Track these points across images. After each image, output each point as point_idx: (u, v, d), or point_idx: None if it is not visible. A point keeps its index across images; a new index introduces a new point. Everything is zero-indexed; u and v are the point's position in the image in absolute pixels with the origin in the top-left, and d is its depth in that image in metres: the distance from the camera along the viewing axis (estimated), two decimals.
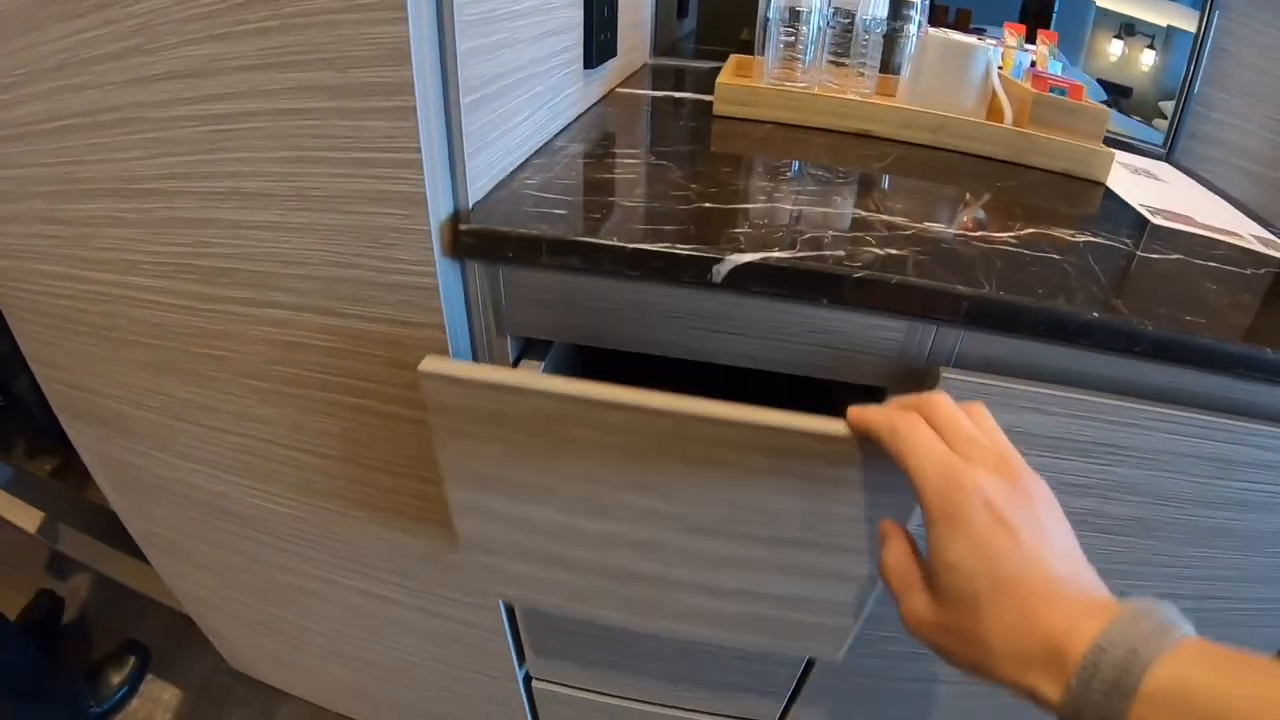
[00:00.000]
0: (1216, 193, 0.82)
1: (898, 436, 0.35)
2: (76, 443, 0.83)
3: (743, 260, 0.45)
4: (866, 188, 0.64)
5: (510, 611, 0.75)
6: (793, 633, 0.53)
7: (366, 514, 0.68)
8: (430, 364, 0.42)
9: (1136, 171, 0.84)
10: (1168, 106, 0.93)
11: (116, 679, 1.22)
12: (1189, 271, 0.56)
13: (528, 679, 0.85)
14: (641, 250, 0.46)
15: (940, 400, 0.36)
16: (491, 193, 0.53)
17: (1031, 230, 0.58)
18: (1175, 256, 0.58)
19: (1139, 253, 0.58)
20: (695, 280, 0.46)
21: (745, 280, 0.46)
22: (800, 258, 0.47)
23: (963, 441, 0.34)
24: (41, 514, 1.42)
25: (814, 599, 0.50)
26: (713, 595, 0.51)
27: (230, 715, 1.20)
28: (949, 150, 0.77)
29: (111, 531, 1.33)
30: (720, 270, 0.45)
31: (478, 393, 0.43)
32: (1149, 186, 0.78)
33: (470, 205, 0.50)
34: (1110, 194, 0.73)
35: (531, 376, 0.42)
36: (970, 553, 0.31)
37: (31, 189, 0.58)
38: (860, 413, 0.38)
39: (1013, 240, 0.56)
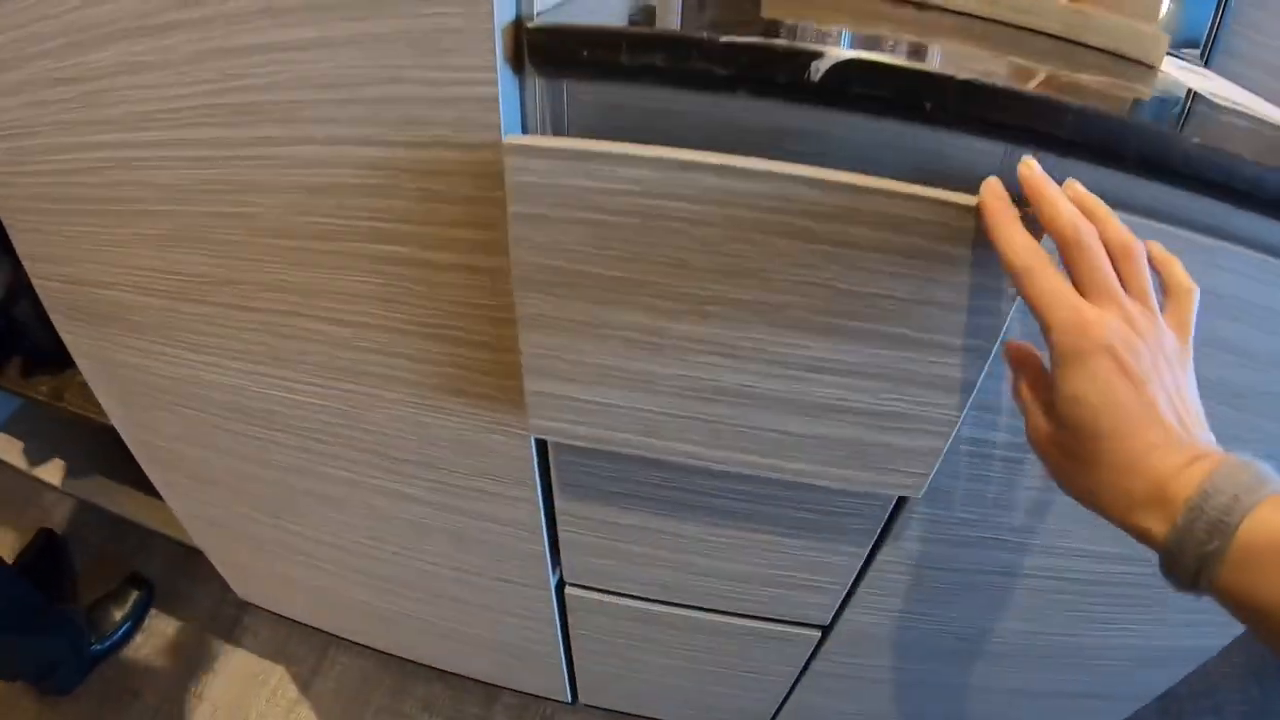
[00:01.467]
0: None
1: (1031, 274, 0.33)
2: (76, 352, 0.77)
3: (845, 56, 0.40)
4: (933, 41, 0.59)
5: (549, 504, 0.69)
6: (881, 459, 0.51)
7: (395, 392, 0.63)
8: (515, 139, 0.38)
9: (1183, 69, 0.79)
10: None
11: (119, 614, 1.16)
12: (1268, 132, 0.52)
13: (560, 586, 0.80)
14: (734, 44, 0.40)
15: (1090, 226, 0.34)
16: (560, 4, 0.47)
17: (1109, 79, 0.54)
18: (1247, 126, 0.54)
19: (1219, 115, 0.54)
20: (789, 83, 0.41)
21: (845, 79, 0.40)
22: (902, 61, 0.42)
23: (1098, 283, 0.33)
24: (40, 451, 1.35)
25: (907, 413, 0.48)
26: (803, 414, 0.49)
27: (239, 646, 1.15)
28: (1002, 23, 0.72)
29: (112, 465, 1.28)
30: (819, 66, 0.40)
31: (567, 166, 0.39)
32: (1200, 80, 0.74)
33: (535, 10, 0.44)
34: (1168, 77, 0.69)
35: (625, 146, 0.39)
36: (1092, 390, 0.32)
37: (35, 48, 0.51)
38: (993, 210, 0.36)
39: (1094, 85, 0.52)
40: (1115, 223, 0.35)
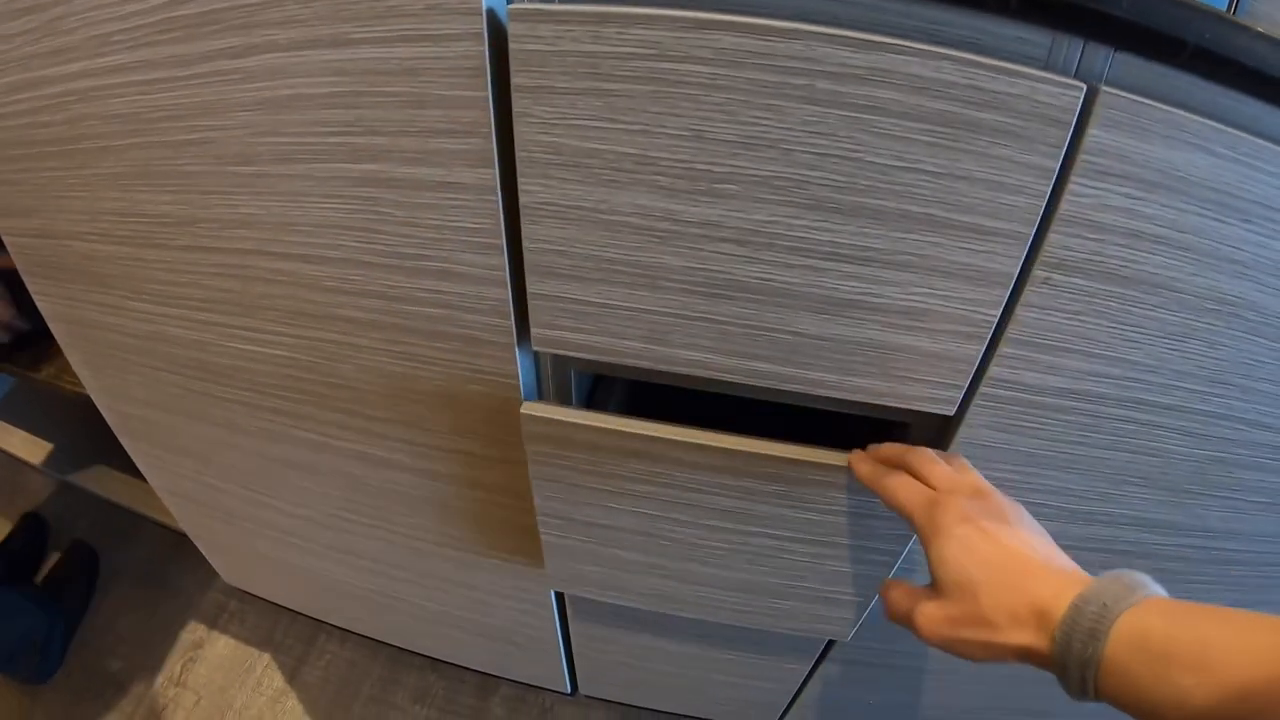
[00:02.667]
0: None
1: (885, 488, 0.43)
2: (50, 317, 0.71)
3: None
4: None
5: None
6: (905, 366, 0.47)
7: (369, 340, 0.56)
8: (519, 5, 0.36)
9: None
10: None
11: (75, 585, 1.10)
12: None
13: None
14: None
15: (917, 453, 0.44)
16: None
17: None
18: None
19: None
20: None
21: None
22: None
23: (941, 480, 0.41)
24: (28, 436, 1.29)
25: (934, 309, 0.44)
26: (820, 311, 0.45)
27: (224, 634, 1.08)
28: None
29: (101, 450, 1.22)
30: None
31: (575, 30, 0.37)
32: None
33: None
34: None
35: (637, 7, 0.36)
36: (959, 551, 0.36)
37: None
38: (856, 463, 0.47)
39: None
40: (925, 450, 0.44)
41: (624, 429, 0.51)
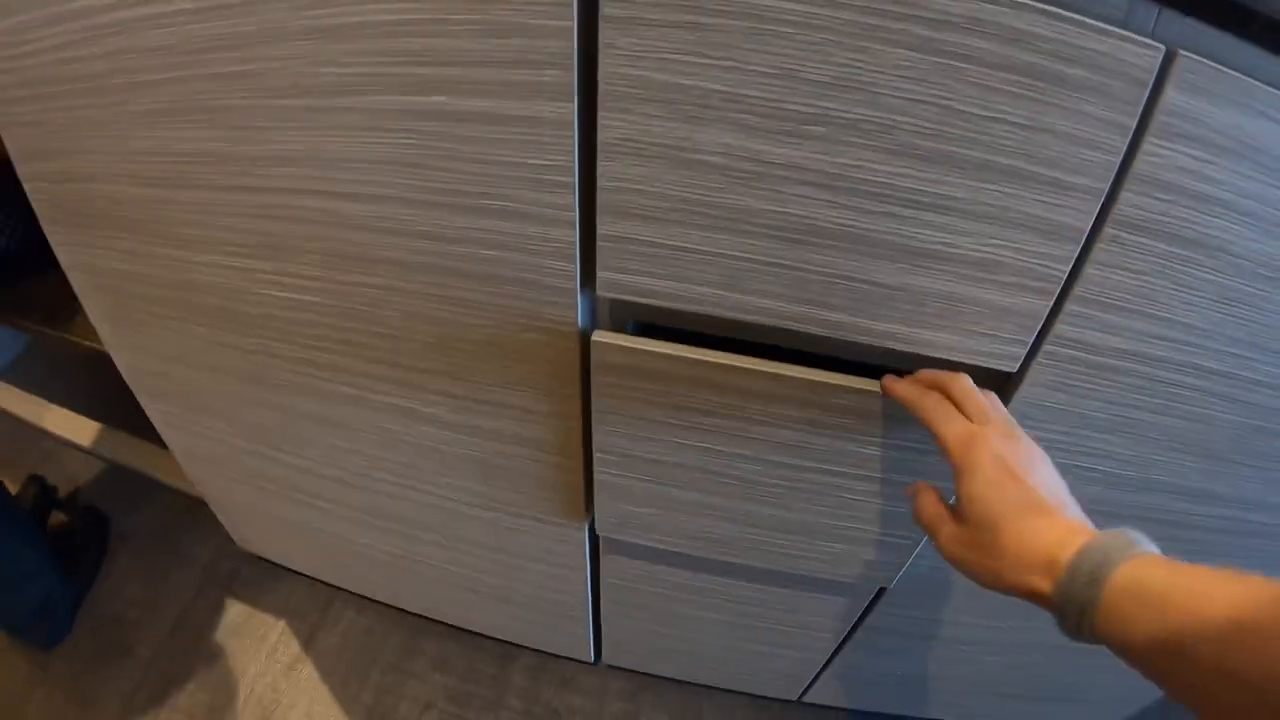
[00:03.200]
0: None
1: (925, 408, 0.44)
2: (68, 265, 0.68)
3: None
4: None
5: (586, 426, 0.60)
6: (976, 319, 0.46)
7: (416, 284, 0.53)
8: None
9: None
10: None
11: (85, 553, 1.07)
12: None
13: (594, 527, 0.70)
14: None
15: (960, 379, 0.44)
16: None
17: None
18: None
19: None
20: None
21: None
22: None
23: (977, 412, 0.42)
24: (41, 399, 1.26)
25: (1008, 262, 0.43)
26: (898, 260, 0.44)
27: (237, 600, 1.06)
28: None
29: (115, 414, 1.20)
30: None
31: None
32: None
33: None
34: None
35: None
36: (986, 488, 0.39)
37: None
38: (893, 384, 0.47)
39: None
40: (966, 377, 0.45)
41: (701, 358, 0.50)
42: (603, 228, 0.45)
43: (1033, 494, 0.38)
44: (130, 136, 0.54)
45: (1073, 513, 0.38)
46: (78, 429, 1.22)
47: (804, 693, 0.92)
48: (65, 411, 1.24)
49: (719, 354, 0.50)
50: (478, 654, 1.00)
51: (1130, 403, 0.50)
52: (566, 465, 0.62)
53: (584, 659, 0.96)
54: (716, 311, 0.47)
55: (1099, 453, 0.54)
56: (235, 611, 1.04)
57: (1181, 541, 0.61)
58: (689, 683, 0.98)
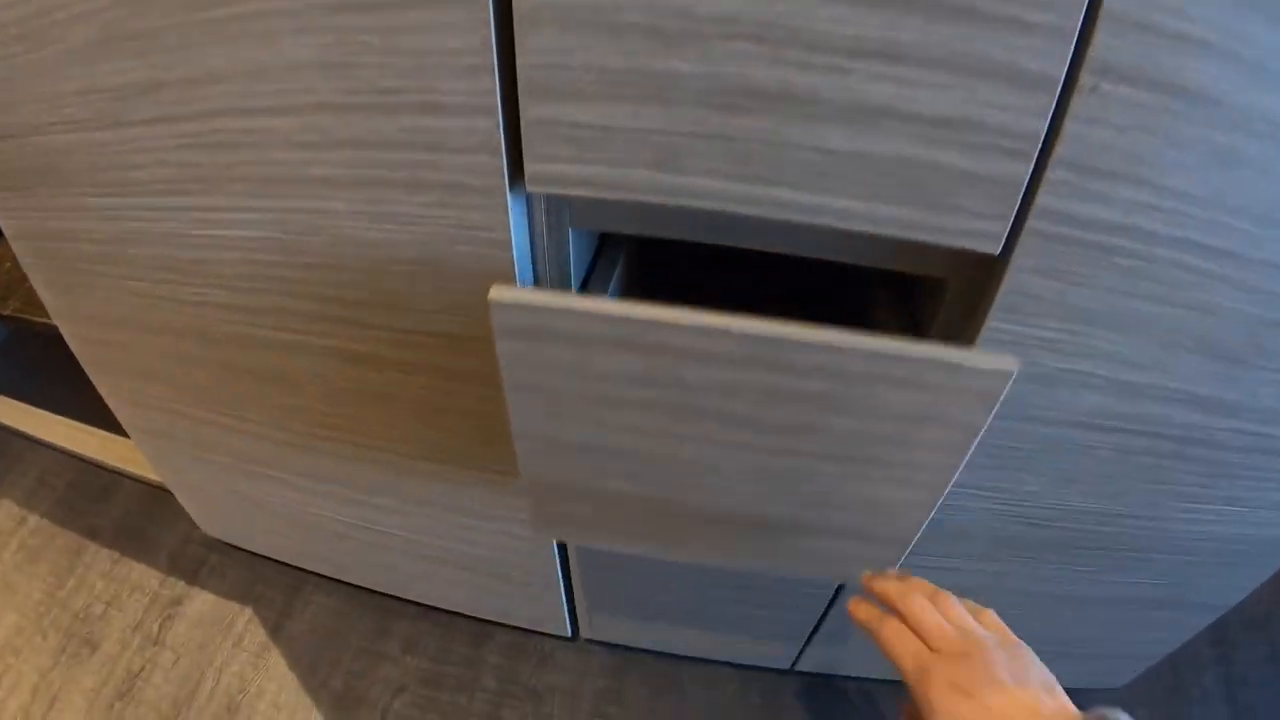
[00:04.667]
0: None
1: (882, 639, 0.44)
2: (13, 235, 0.64)
3: None
4: None
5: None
6: (943, 191, 0.40)
7: (342, 202, 0.48)
8: None
9: None
10: None
11: None
12: None
13: None
14: None
15: (910, 600, 0.44)
16: None
17: None
18: None
19: None
20: None
21: None
22: None
23: (931, 634, 0.42)
24: (5, 399, 1.22)
25: (972, 119, 0.38)
26: (847, 122, 0.38)
27: (203, 589, 1.00)
28: None
29: (77, 407, 1.14)
30: None
31: None
32: None
33: None
34: None
35: None
36: (945, 717, 0.38)
37: None
38: (855, 607, 0.48)
39: None
40: (923, 583, 0.47)
41: (618, 313, 0.40)
42: (526, 112, 0.40)
43: (994, 711, 0.37)
44: (63, 78, 0.49)
45: (1047, 705, 0.38)
46: (44, 426, 1.18)
47: (796, 660, 0.86)
48: (28, 408, 1.20)
49: (641, 307, 0.40)
50: (451, 634, 0.94)
51: (1128, 289, 0.45)
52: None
53: (561, 634, 0.90)
54: (655, 198, 0.42)
55: (1099, 353, 0.48)
56: (201, 600, 0.99)
57: (1209, 464, 0.56)
58: (674, 655, 0.92)
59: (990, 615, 0.45)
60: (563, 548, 0.74)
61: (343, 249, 0.51)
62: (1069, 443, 0.54)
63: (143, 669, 0.93)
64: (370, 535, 0.82)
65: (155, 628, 0.97)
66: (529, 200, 0.47)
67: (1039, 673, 0.40)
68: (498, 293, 0.41)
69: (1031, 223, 0.42)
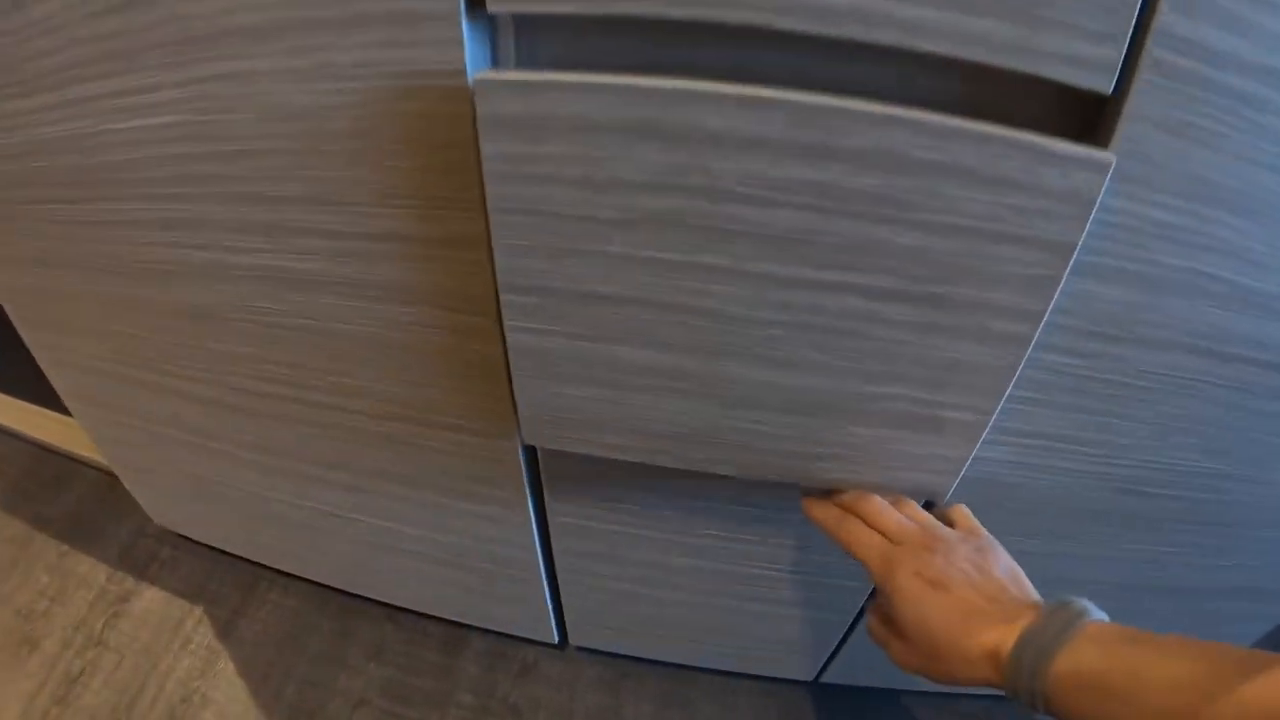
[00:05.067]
0: None
1: (842, 536, 0.44)
2: None
3: None
4: None
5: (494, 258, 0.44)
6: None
7: (266, 59, 0.39)
8: None
9: None
10: None
11: None
12: None
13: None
14: None
15: (868, 500, 0.45)
16: None
17: None
18: None
19: None
20: None
21: None
22: None
23: (892, 530, 0.43)
24: None
25: None
26: None
27: (153, 585, 0.89)
28: None
29: (26, 387, 1.06)
30: None
31: None
32: None
33: None
34: None
35: None
36: (912, 608, 0.39)
37: None
38: (811, 506, 0.47)
39: None
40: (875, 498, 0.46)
41: (637, 85, 0.32)
42: None
43: (959, 599, 0.38)
44: None
45: (1010, 596, 0.38)
46: None
47: (821, 671, 0.73)
48: None
49: (666, 81, 0.32)
50: (422, 639, 0.82)
51: (1265, 161, 0.34)
52: (479, 328, 0.46)
53: (547, 640, 0.78)
54: (660, 8, 0.32)
55: (1223, 246, 0.37)
56: (149, 596, 0.88)
57: None
58: (680, 665, 0.79)
59: (960, 509, 0.46)
60: (544, 534, 0.63)
61: (270, 123, 0.41)
62: (1177, 376, 0.42)
63: (83, 672, 0.82)
64: (330, 522, 0.71)
65: (99, 626, 0.86)
66: (494, 26, 0.37)
67: (1005, 563, 0.41)
68: (483, 74, 0.33)
69: (1151, 50, 0.31)
